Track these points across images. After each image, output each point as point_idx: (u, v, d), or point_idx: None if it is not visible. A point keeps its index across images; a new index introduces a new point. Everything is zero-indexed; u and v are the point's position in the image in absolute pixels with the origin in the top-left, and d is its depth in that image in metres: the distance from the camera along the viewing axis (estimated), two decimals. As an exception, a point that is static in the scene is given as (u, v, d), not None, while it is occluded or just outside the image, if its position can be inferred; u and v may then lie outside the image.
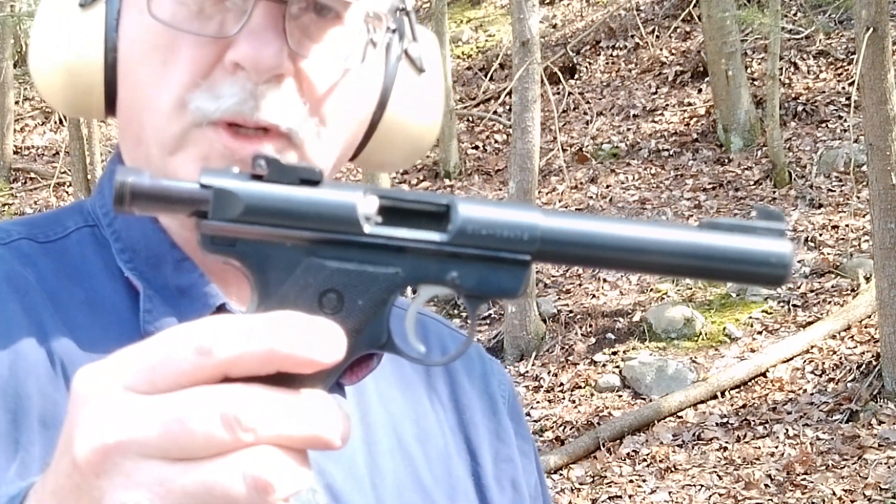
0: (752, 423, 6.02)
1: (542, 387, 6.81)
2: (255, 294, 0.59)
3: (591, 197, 9.47)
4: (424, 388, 0.94)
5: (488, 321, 7.95)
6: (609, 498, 5.53)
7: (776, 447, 5.74)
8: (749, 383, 6.41)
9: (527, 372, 7.03)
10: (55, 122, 12.25)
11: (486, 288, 0.61)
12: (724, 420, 6.11)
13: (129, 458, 0.52)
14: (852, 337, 6.61)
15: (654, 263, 0.62)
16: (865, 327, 6.63)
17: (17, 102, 12.40)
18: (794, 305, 7.19)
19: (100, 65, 0.82)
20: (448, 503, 0.89)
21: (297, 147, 0.80)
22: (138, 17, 0.79)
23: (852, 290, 7.14)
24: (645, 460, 5.83)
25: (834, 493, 5.19)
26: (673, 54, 11.20)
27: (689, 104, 10.48)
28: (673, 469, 5.71)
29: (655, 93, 10.81)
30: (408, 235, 0.60)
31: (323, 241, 0.59)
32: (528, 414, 6.53)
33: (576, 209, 9.30)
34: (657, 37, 11.48)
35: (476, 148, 10.99)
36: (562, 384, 6.79)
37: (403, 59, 0.89)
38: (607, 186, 9.57)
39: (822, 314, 6.97)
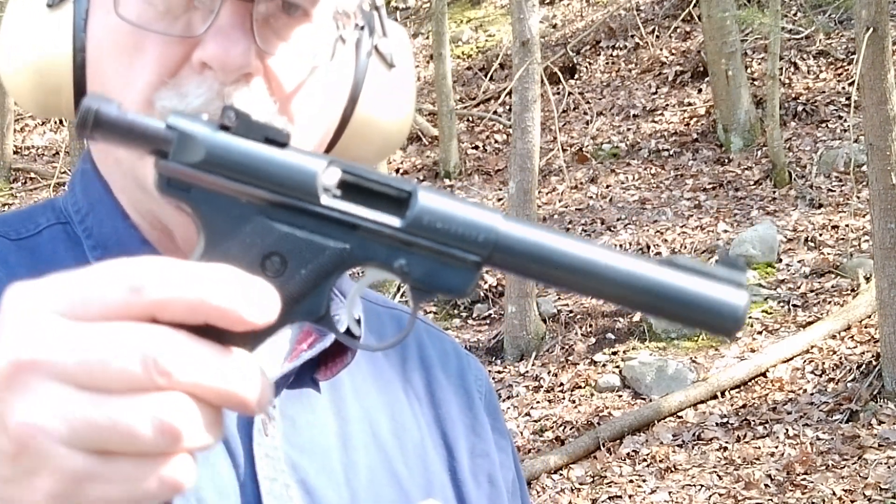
0: (752, 423, 6.02)
1: (542, 387, 6.81)
2: (201, 243, 0.59)
3: (591, 197, 9.47)
4: (400, 382, 0.94)
5: (488, 321, 7.95)
6: (609, 498, 5.53)
7: (776, 447, 5.74)
8: (749, 383, 6.41)
9: (527, 372, 7.03)
10: (55, 122, 12.25)
11: (433, 282, 0.61)
12: (724, 420, 6.11)
13: (41, 379, 0.51)
14: (852, 337, 6.61)
15: (605, 291, 0.60)
16: (865, 327, 6.63)
17: (17, 103, 12.38)
18: (794, 305, 7.19)
19: (68, 65, 0.82)
20: (424, 497, 0.89)
21: None
22: (105, 17, 0.79)
23: (852, 290, 7.14)
24: (645, 460, 5.83)
25: (834, 493, 5.19)
26: (673, 54, 11.20)
27: (689, 104, 10.48)
28: (673, 469, 5.71)
29: (655, 93, 10.81)
30: (363, 214, 0.59)
31: (277, 204, 0.59)
32: (527, 414, 6.53)
33: (576, 209, 9.30)
34: (657, 37, 11.48)
35: (476, 148, 10.99)
36: (562, 384, 6.79)
37: (374, 54, 0.89)
38: (607, 186, 9.57)
39: (822, 314, 6.97)
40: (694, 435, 6.01)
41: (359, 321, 0.88)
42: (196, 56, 0.77)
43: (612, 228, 8.77)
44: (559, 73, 10.92)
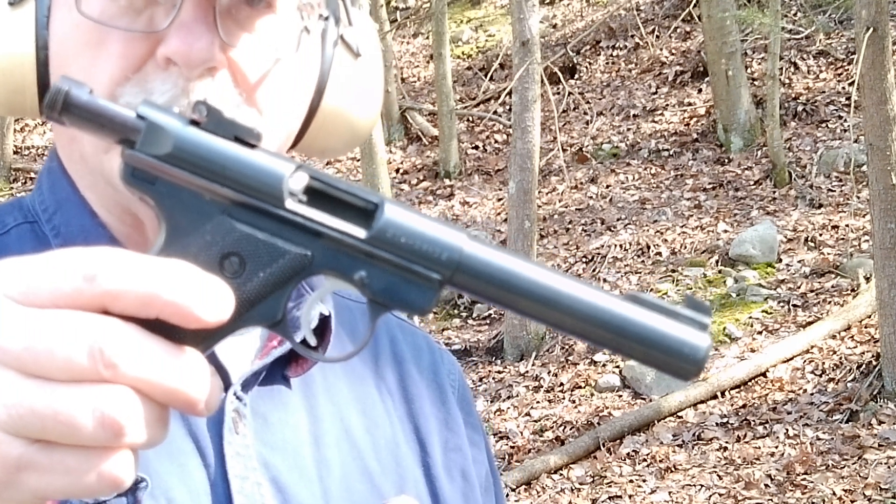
0: (752, 423, 6.02)
1: (542, 387, 6.81)
2: (161, 238, 0.58)
3: (591, 197, 9.47)
4: (373, 378, 0.94)
5: (488, 321, 7.95)
6: (609, 498, 5.53)
7: (776, 447, 5.74)
8: (749, 383, 6.41)
9: (527, 372, 7.03)
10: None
11: (392, 297, 0.60)
12: (724, 420, 6.11)
13: None
14: (852, 337, 6.61)
15: (566, 322, 0.59)
16: (865, 327, 6.63)
17: None
18: (794, 305, 7.19)
19: (31, 63, 0.81)
20: (396, 493, 0.89)
21: None
22: (68, 14, 0.79)
23: (852, 290, 7.14)
24: (645, 460, 5.83)
25: (834, 493, 5.19)
26: (673, 54, 11.20)
27: (689, 104, 10.48)
28: (673, 469, 5.71)
29: (655, 93, 10.81)
30: (327, 221, 0.59)
31: (241, 204, 0.58)
32: (527, 414, 6.53)
33: (576, 209, 9.30)
34: (657, 37, 11.48)
35: (476, 148, 10.99)
36: (562, 384, 6.79)
37: (340, 44, 0.89)
38: (607, 186, 9.57)
39: (822, 314, 6.97)
40: (694, 435, 6.00)
41: (328, 318, 0.87)
42: (160, 52, 0.76)
43: (612, 228, 8.77)
44: (559, 73, 10.92)
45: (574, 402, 6.58)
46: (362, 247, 0.59)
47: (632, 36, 11.60)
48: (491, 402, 6.76)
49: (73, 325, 0.51)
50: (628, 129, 10.39)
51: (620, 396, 6.56)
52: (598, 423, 6.21)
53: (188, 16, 0.76)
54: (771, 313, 7.15)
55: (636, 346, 0.59)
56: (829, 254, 7.71)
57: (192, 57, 0.75)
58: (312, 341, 0.66)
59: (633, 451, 5.92)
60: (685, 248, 8.24)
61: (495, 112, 11.23)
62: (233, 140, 0.58)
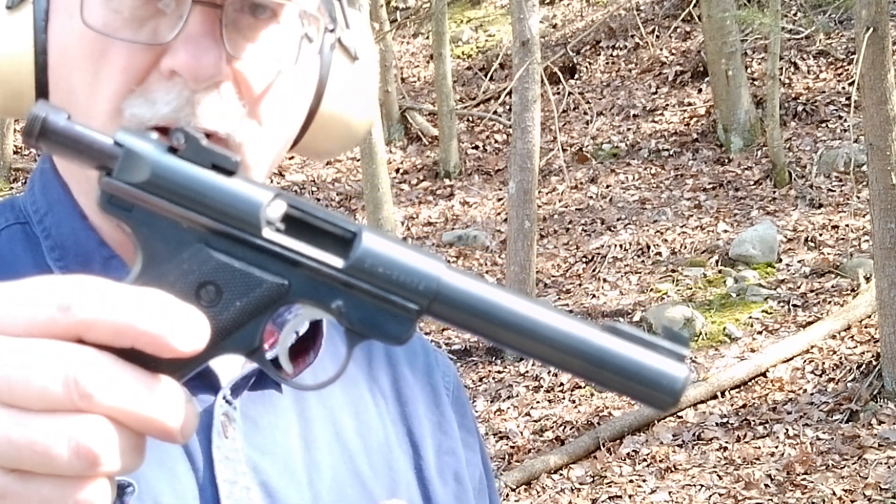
0: (752, 423, 6.02)
1: (542, 387, 6.81)
2: (137, 266, 0.58)
3: (591, 197, 9.47)
4: (366, 381, 0.93)
5: (488, 321, 7.95)
6: (609, 498, 5.53)
7: (776, 447, 5.74)
8: (749, 383, 6.41)
9: (527, 372, 7.03)
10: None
11: (369, 327, 0.59)
12: (724, 420, 6.11)
13: None
14: (852, 337, 6.61)
15: (543, 352, 0.59)
16: (865, 327, 6.63)
17: None
18: (794, 305, 7.19)
19: (30, 67, 0.80)
20: (388, 496, 0.88)
21: (235, 150, 0.78)
22: (69, 21, 0.77)
23: (852, 290, 7.14)
24: (645, 460, 5.83)
25: (834, 493, 5.19)
26: (673, 54, 11.20)
27: (689, 104, 10.48)
28: (673, 469, 5.71)
29: (655, 93, 10.81)
30: (304, 251, 0.58)
31: (218, 232, 0.57)
32: (528, 414, 6.53)
33: (576, 209, 9.30)
34: (657, 37, 11.48)
35: (476, 148, 10.99)
36: (562, 384, 6.79)
37: (337, 47, 0.89)
38: (607, 186, 9.57)
39: (822, 314, 6.97)
40: (694, 435, 6.00)
41: (319, 324, 0.87)
42: (165, 64, 0.76)
43: (612, 228, 8.77)
44: (559, 73, 10.92)
45: (574, 402, 6.58)
46: (340, 276, 0.58)
47: (632, 36, 11.60)
48: (491, 402, 6.76)
49: (47, 355, 0.51)
50: (628, 129, 10.39)
51: (620, 396, 6.56)
52: (598, 423, 6.20)
53: (195, 29, 0.75)
54: (771, 313, 7.15)
55: (614, 377, 0.59)
56: (829, 254, 7.71)
57: (200, 72, 0.75)
58: (288, 367, 0.65)
59: (633, 451, 5.92)
60: (685, 248, 8.24)
61: (495, 112, 11.23)
62: (210, 168, 0.57)
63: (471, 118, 11.40)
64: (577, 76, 11.47)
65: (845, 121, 9.00)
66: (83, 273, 0.75)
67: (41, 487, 0.51)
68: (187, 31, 0.75)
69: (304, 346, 0.87)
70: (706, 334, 6.99)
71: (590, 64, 11.59)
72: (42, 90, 0.81)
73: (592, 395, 6.62)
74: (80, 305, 0.52)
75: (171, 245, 0.58)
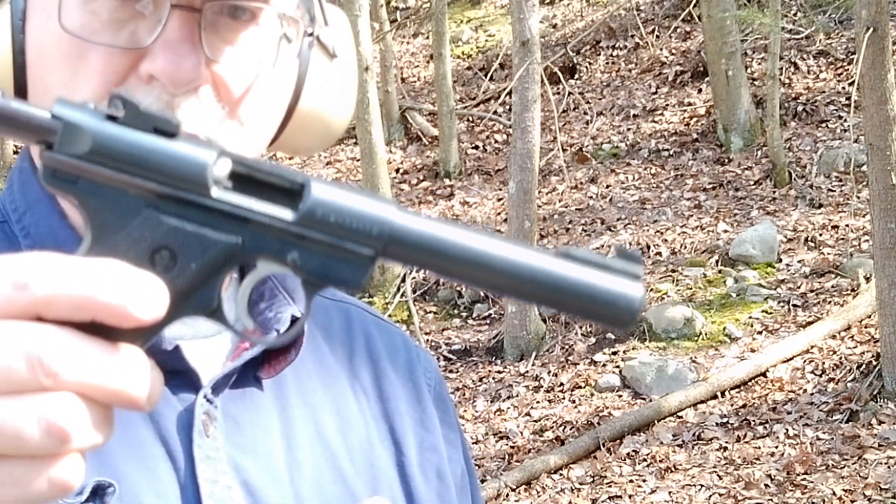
0: (752, 423, 6.02)
1: (542, 387, 6.81)
2: (88, 237, 0.58)
3: (591, 197, 9.47)
4: (347, 378, 0.93)
5: (488, 321, 7.95)
6: (609, 498, 5.53)
7: (776, 447, 5.74)
8: (749, 383, 6.40)
9: (527, 372, 7.03)
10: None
11: (326, 275, 0.60)
12: (724, 420, 6.11)
13: None
14: (852, 337, 6.61)
15: (500, 283, 0.60)
16: (865, 327, 6.63)
17: None
18: (794, 305, 7.18)
19: (8, 68, 0.80)
20: (370, 494, 0.88)
21: None
22: (46, 22, 0.77)
23: (852, 290, 7.14)
24: (645, 460, 5.83)
25: (834, 493, 5.19)
26: (673, 54, 11.20)
27: (689, 104, 10.48)
28: (673, 469, 5.70)
29: (655, 93, 10.81)
30: (254, 207, 0.58)
31: (166, 196, 0.57)
32: (528, 414, 6.53)
33: (576, 209, 9.30)
34: (657, 37, 11.48)
35: (476, 148, 10.98)
36: (562, 384, 6.79)
37: (316, 45, 0.89)
38: (607, 186, 9.57)
39: (822, 314, 6.97)
40: (694, 435, 6.00)
41: (295, 320, 0.87)
42: (144, 68, 0.76)
43: (612, 228, 8.77)
44: (559, 73, 10.92)
45: (574, 402, 6.58)
46: (292, 229, 0.58)
47: (632, 36, 11.60)
48: (491, 402, 6.76)
49: (8, 336, 0.51)
50: (628, 129, 10.39)
51: (620, 396, 6.56)
52: (598, 423, 6.20)
53: (174, 33, 0.75)
54: (771, 313, 7.15)
55: (571, 301, 0.60)
56: (829, 254, 7.71)
57: (179, 77, 0.75)
58: (250, 325, 0.65)
59: (633, 451, 5.92)
60: (685, 248, 8.24)
61: (495, 112, 11.23)
62: (152, 132, 0.57)
63: (471, 118, 11.40)
64: (577, 76, 11.47)
65: (845, 121, 8.99)
66: None
67: (13, 469, 0.51)
68: (166, 35, 0.75)
69: (286, 346, 0.86)
70: (706, 334, 6.99)
71: (590, 64, 11.59)
72: (20, 90, 0.80)
73: (592, 395, 6.62)
74: (36, 282, 0.51)
75: (120, 214, 0.57)
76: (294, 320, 0.87)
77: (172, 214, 0.58)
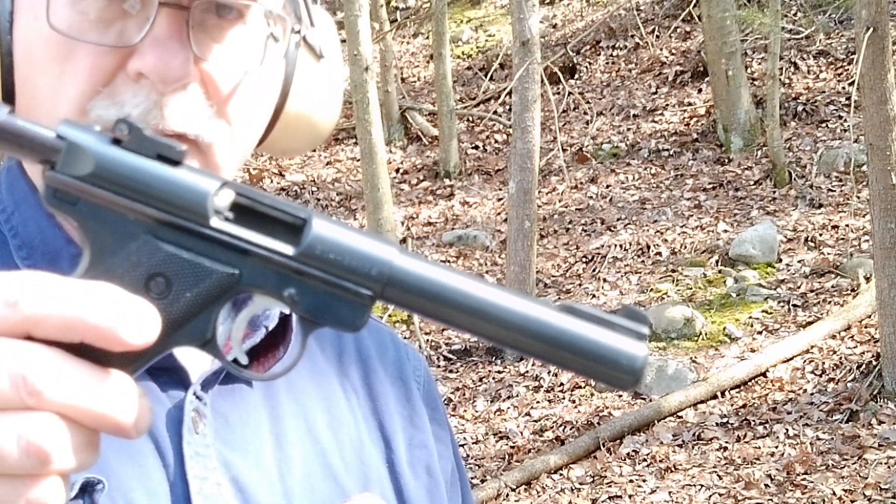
0: (752, 423, 6.02)
1: (542, 387, 6.81)
2: (85, 259, 0.57)
3: (591, 197, 9.47)
4: (337, 375, 0.93)
5: (488, 321, 7.94)
6: (609, 498, 5.53)
7: (776, 447, 5.74)
8: (749, 383, 6.40)
9: (527, 372, 7.03)
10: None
11: (322, 314, 0.59)
12: (724, 420, 6.11)
13: None
14: (852, 337, 6.61)
15: (500, 335, 0.58)
16: (865, 327, 6.63)
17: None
18: (794, 305, 7.18)
19: None
20: (360, 491, 0.88)
21: (204, 150, 0.78)
22: (34, 22, 0.77)
23: (852, 290, 7.13)
24: (645, 460, 5.83)
25: (834, 493, 5.19)
26: (673, 54, 11.20)
27: (689, 104, 10.47)
28: (673, 469, 5.70)
29: (655, 93, 10.81)
30: (254, 239, 0.57)
31: (165, 223, 0.57)
32: (527, 414, 6.53)
33: (576, 209, 9.30)
34: (657, 37, 11.48)
35: (476, 148, 10.98)
36: (562, 384, 6.79)
37: (302, 45, 0.89)
38: (607, 186, 9.57)
39: (822, 314, 6.97)
40: (694, 435, 6.00)
41: (288, 320, 0.87)
42: (132, 66, 0.76)
43: (612, 228, 8.77)
44: (559, 73, 10.92)
45: (574, 402, 6.58)
46: (291, 264, 0.58)
47: (632, 36, 11.60)
48: (491, 402, 6.76)
49: None
50: (628, 129, 10.39)
51: (620, 396, 6.56)
52: (598, 423, 6.20)
53: (161, 31, 0.75)
54: (771, 313, 7.15)
55: (573, 357, 0.58)
56: (829, 254, 7.71)
57: (168, 74, 0.75)
58: (244, 360, 0.65)
59: (633, 451, 5.92)
60: (685, 248, 8.24)
61: (495, 112, 11.23)
62: (156, 158, 0.56)
63: (471, 118, 11.40)
64: (577, 76, 11.47)
65: (845, 121, 8.99)
66: (52, 272, 0.75)
67: None
68: (154, 33, 0.75)
69: (274, 342, 0.87)
70: (706, 334, 6.99)
71: (590, 64, 11.59)
72: (8, 92, 0.80)
73: (592, 395, 6.62)
74: (27, 301, 0.51)
75: (118, 237, 0.57)
76: (283, 317, 0.87)
77: (170, 242, 0.57)
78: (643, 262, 8.19)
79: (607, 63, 11.53)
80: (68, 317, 0.51)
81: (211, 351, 0.60)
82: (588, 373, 0.59)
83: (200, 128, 0.77)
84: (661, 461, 5.78)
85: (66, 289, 0.52)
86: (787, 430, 5.86)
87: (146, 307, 0.53)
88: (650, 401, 6.38)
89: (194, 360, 0.84)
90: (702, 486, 5.49)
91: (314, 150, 11.01)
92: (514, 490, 5.64)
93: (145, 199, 0.56)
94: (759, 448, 5.76)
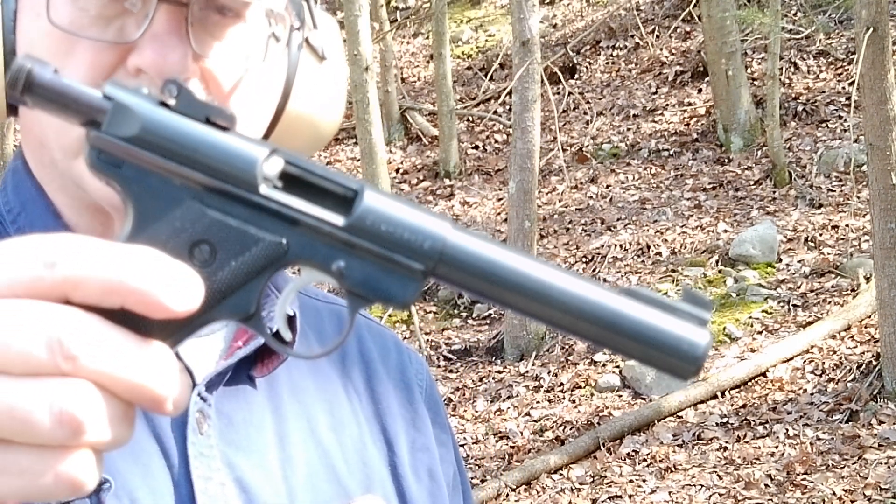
0: (752, 423, 6.02)
1: (542, 387, 6.81)
2: (128, 224, 0.55)
3: (591, 197, 9.47)
4: (339, 377, 0.93)
5: (488, 321, 7.95)
6: (609, 498, 5.53)
7: (776, 447, 5.74)
8: (749, 383, 6.40)
9: (527, 372, 7.03)
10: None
11: (371, 288, 0.56)
12: (724, 420, 6.11)
13: None
14: (852, 337, 6.61)
15: (556, 317, 0.56)
16: (865, 327, 6.63)
17: None
18: (794, 305, 7.18)
19: None
20: (363, 493, 0.88)
21: None
22: (36, 21, 0.77)
23: (852, 290, 7.13)
24: (645, 460, 5.83)
25: (834, 493, 5.19)
26: (673, 54, 11.20)
27: (689, 104, 10.47)
28: (673, 469, 5.70)
29: (655, 93, 10.81)
30: (303, 208, 0.55)
31: (212, 188, 0.55)
32: (527, 414, 6.53)
33: (576, 209, 9.30)
34: (657, 37, 11.48)
35: (476, 148, 10.98)
36: (562, 384, 6.79)
37: (305, 47, 0.89)
38: (607, 186, 9.57)
39: (822, 314, 6.97)
40: (694, 435, 6.00)
41: (293, 318, 0.87)
42: (132, 62, 0.76)
43: (612, 228, 8.77)
44: (559, 73, 10.92)
45: (574, 402, 6.58)
46: (341, 235, 0.55)
47: (632, 36, 11.60)
48: (491, 402, 6.76)
49: (31, 316, 0.48)
50: (628, 129, 10.39)
51: (620, 396, 6.56)
52: (598, 423, 6.20)
53: (161, 27, 0.75)
54: (771, 313, 7.15)
55: (632, 343, 0.56)
56: (829, 254, 7.71)
57: (167, 69, 0.75)
58: (287, 335, 0.63)
59: (633, 451, 5.92)
60: (685, 248, 8.24)
61: (495, 112, 11.23)
62: (204, 122, 0.55)
63: (471, 118, 11.40)
64: (577, 76, 11.47)
65: (845, 121, 8.99)
66: None
67: (20, 458, 0.48)
68: (153, 29, 0.75)
69: (279, 341, 0.86)
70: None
71: (590, 64, 11.59)
72: None
73: (592, 395, 6.62)
74: (66, 262, 0.49)
75: (162, 202, 0.55)
76: (289, 319, 0.87)
77: (217, 208, 0.55)
78: (643, 262, 8.19)
79: (607, 63, 11.53)
80: (109, 280, 0.49)
81: (253, 326, 0.58)
82: (648, 360, 0.56)
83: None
84: (661, 461, 5.78)
85: (107, 252, 0.50)
86: (787, 430, 5.87)
87: (189, 273, 0.52)
88: (650, 401, 6.38)
89: (199, 361, 0.84)
90: (702, 486, 5.49)
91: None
92: (514, 490, 5.64)
93: (192, 163, 0.54)
94: (759, 448, 5.76)
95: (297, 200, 0.56)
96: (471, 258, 0.56)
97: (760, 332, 6.95)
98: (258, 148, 0.56)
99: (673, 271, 7.93)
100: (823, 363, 6.42)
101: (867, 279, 6.99)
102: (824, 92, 9.86)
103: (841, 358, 6.41)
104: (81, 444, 0.49)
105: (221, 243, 0.55)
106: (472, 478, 5.78)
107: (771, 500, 5.27)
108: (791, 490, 5.30)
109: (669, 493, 5.48)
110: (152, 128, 0.54)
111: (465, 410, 6.67)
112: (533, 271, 0.56)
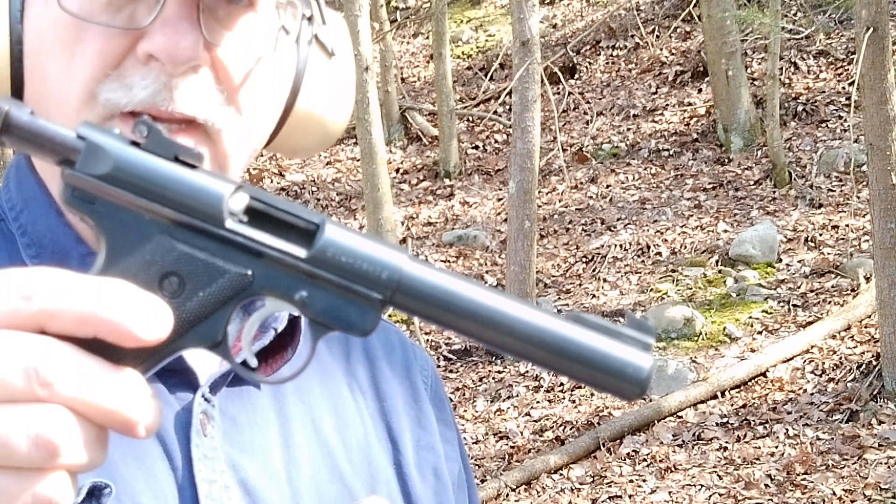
0: (752, 423, 6.02)
1: (542, 387, 6.81)
2: (100, 257, 0.58)
3: (591, 197, 9.47)
4: (344, 376, 0.93)
5: (488, 321, 7.95)
6: (609, 498, 5.53)
7: (776, 447, 5.74)
8: (749, 383, 6.40)
9: (527, 372, 7.03)
10: (55, 122, 12.23)
11: (333, 317, 0.60)
12: (724, 420, 6.11)
13: None
14: (852, 337, 6.61)
15: (507, 343, 0.59)
16: (865, 327, 6.63)
17: None
18: (794, 305, 7.18)
19: (5, 58, 0.79)
20: (368, 493, 0.88)
21: (213, 138, 0.78)
22: (44, 9, 0.77)
23: (852, 290, 7.13)
24: (645, 460, 5.83)
25: (834, 493, 5.19)
26: (673, 54, 11.20)
27: (689, 104, 10.48)
28: (673, 469, 5.70)
29: (655, 93, 10.81)
30: (267, 241, 0.59)
31: (181, 224, 0.58)
32: (528, 414, 6.53)
33: (576, 209, 9.30)
34: (657, 37, 11.48)
35: (476, 148, 10.98)
36: (562, 384, 6.79)
37: (314, 43, 0.88)
38: (607, 186, 9.57)
39: (822, 314, 6.97)
40: (694, 435, 6.00)
41: (298, 318, 0.87)
42: (142, 48, 0.75)
43: (612, 228, 8.77)
44: (559, 73, 10.92)
45: (574, 401, 6.58)
46: (303, 267, 0.59)
47: (632, 36, 11.60)
48: (491, 402, 6.76)
49: (8, 345, 0.50)
50: (628, 129, 10.39)
51: (586, 387, 6.55)
52: (598, 423, 6.20)
53: (172, 13, 0.75)
54: (771, 313, 7.15)
55: (580, 367, 0.59)
56: (829, 254, 7.71)
57: (178, 55, 0.74)
58: (253, 363, 0.65)
59: (633, 451, 5.92)
60: (685, 248, 8.24)
61: (495, 112, 11.23)
62: (173, 160, 0.58)
63: (471, 118, 11.40)
64: (577, 76, 11.47)
65: (845, 121, 8.99)
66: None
67: None
68: (164, 14, 0.75)
69: (283, 344, 0.86)
70: (706, 334, 6.99)
71: (590, 64, 11.59)
72: (18, 80, 0.80)
73: (592, 395, 6.62)
74: (41, 294, 0.51)
75: (134, 236, 0.58)
76: (291, 319, 0.87)
77: (185, 242, 0.58)
78: (643, 262, 8.19)
79: (607, 63, 11.53)
80: (82, 311, 0.52)
81: (221, 353, 0.60)
82: (594, 383, 0.59)
83: (210, 113, 0.77)
84: (661, 461, 5.78)
85: (80, 284, 0.52)
86: (787, 430, 5.87)
87: (159, 303, 0.54)
88: (650, 401, 6.38)
89: (203, 362, 0.83)
90: (702, 486, 5.49)
91: (314, 150, 11.00)
92: (514, 490, 5.64)
93: (162, 199, 0.57)
94: (759, 448, 5.76)
95: (262, 234, 0.59)
96: (426, 288, 0.59)
97: (760, 332, 6.95)
98: (224, 184, 0.58)
99: (673, 271, 7.93)
100: (823, 363, 6.42)
101: (867, 279, 6.99)
102: (824, 92, 9.86)
103: (841, 358, 6.41)
104: (57, 467, 0.51)
105: (190, 275, 0.58)
106: (472, 478, 5.78)
107: (771, 500, 5.27)
108: (791, 490, 5.30)
109: (669, 493, 5.48)
110: (124, 166, 0.57)
111: (465, 410, 6.67)
112: (485, 300, 0.59)
